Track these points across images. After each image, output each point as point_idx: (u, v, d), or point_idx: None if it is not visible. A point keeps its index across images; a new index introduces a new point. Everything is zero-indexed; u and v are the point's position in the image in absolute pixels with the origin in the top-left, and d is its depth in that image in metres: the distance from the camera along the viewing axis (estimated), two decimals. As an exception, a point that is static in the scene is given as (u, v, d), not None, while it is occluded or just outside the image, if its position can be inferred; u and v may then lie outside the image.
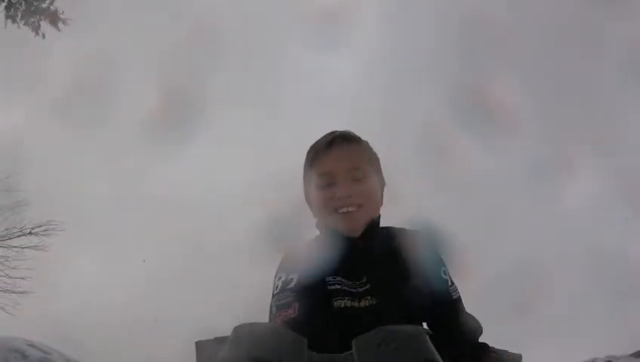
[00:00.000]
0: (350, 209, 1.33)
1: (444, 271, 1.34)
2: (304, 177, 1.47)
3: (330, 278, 1.26)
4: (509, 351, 1.30)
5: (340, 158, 1.38)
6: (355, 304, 1.24)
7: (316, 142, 1.44)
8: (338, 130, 1.46)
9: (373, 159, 1.45)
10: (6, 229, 13.03)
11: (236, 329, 0.77)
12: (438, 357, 0.77)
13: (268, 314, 1.27)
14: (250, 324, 0.77)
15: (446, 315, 1.29)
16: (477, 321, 1.31)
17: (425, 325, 1.32)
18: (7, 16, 7.19)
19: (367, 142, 1.46)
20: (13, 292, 12.83)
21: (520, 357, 1.27)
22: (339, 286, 1.26)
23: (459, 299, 1.34)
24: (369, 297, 1.25)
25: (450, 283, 1.33)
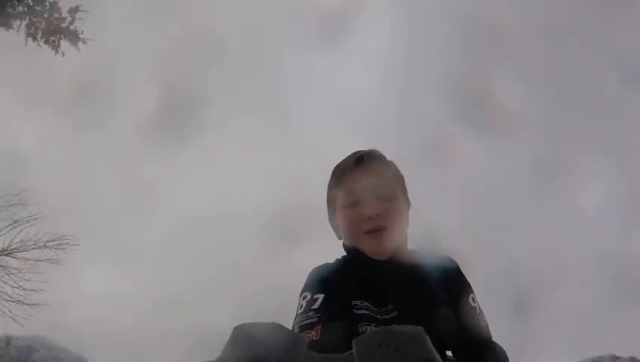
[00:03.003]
0: (379, 230, 1.31)
1: (473, 299, 1.32)
2: (328, 198, 1.45)
3: (358, 302, 1.24)
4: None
5: (367, 177, 1.36)
6: None
7: (342, 162, 1.42)
8: (363, 149, 1.44)
9: (399, 179, 1.44)
10: (20, 241, 13.24)
11: (235, 329, 0.77)
12: (438, 357, 0.77)
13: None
14: (250, 324, 0.78)
15: (476, 343, 1.27)
16: (503, 351, 1.29)
17: (451, 353, 1.31)
18: (27, 34, 7.32)
19: (393, 162, 1.45)
20: (26, 304, 13.06)
21: None
22: (366, 312, 1.24)
23: (487, 327, 1.33)
24: (395, 325, 1.24)
25: (478, 311, 1.32)
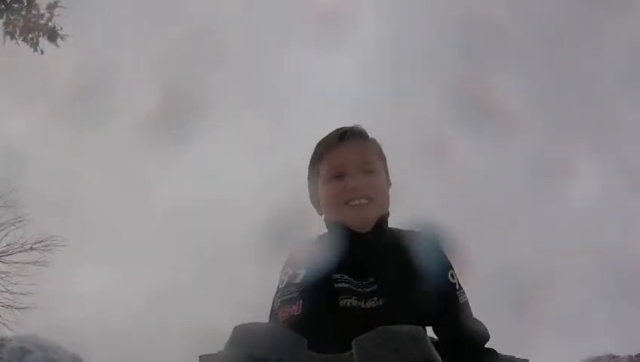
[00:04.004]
0: (362, 201, 1.31)
1: (452, 275, 1.32)
2: (310, 173, 1.45)
3: (338, 276, 1.25)
4: (516, 356, 1.28)
5: (351, 151, 1.37)
6: (361, 304, 1.23)
7: (325, 137, 1.43)
8: (346, 126, 1.44)
9: (382, 156, 1.44)
10: (7, 245, 13.02)
11: (235, 329, 0.77)
12: (438, 357, 0.77)
13: (270, 307, 1.26)
14: (250, 324, 0.78)
15: (452, 319, 1.27)
16: (484, 327, 1.28)
17: (431, 329, 1.32)
18: (5, 32, 7.25)
19: (376, 140, 1.45)
20: (15, 308, 12.87)
21: None
22: (346, 285, 1.24)
23: (466, 304, 1.32)
24: (375, 298, 1.24)
25: (457, 287, 1.32)
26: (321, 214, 1.43)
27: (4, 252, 13.22)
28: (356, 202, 1.31)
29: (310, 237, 1.40)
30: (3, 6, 7.10)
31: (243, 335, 0.75)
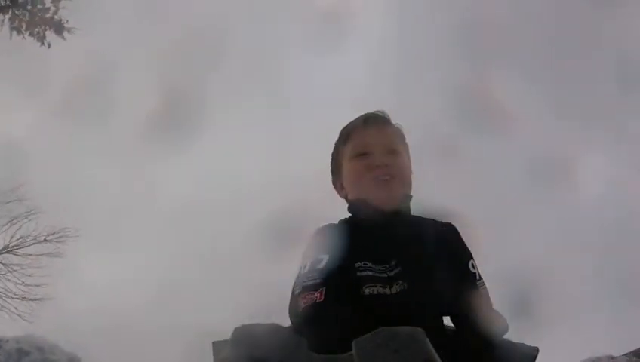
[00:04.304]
0: (387, 178, 1.31)
1: (473, 265, 1.32)
2: (334, 158, 1.45)
3: (361, 264, 1.22)
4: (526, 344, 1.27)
5: (376, 133, 1.38)
6: (387, 291, 1.21)
7: (349, 123, 1.44)
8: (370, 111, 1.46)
9: (405, 142, 1.46)
10: (20, 238, 13.22)
11: (236, 329, 0.77)
12: (437, 357, 0.78)
13: (291, 291, 1.24)
14: (251, 325, 0.78)
15: (472, 308, 1.25)
16: (503, 318, 1.27)
17: (448, 320, 1.29)
18: (11, 28, 7.23)
19: (399, 126, 1.47)
20: (30, 300, 13.09)
21: (537, 349, 1.24)
22: (370, 273, 1.22)
23: (486, 295, 1.31)
24: (399, 282, 1.22)
25: (478, 277, 1.31)
26: (343, 197, 1.42)
27: (18, 245, 13.48)
28: (383, 178, 1.31)
29: (332, 223, 1.38)
30: (8, 1, 7.08)
31: (243, 337, 0.75)
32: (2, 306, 13.24)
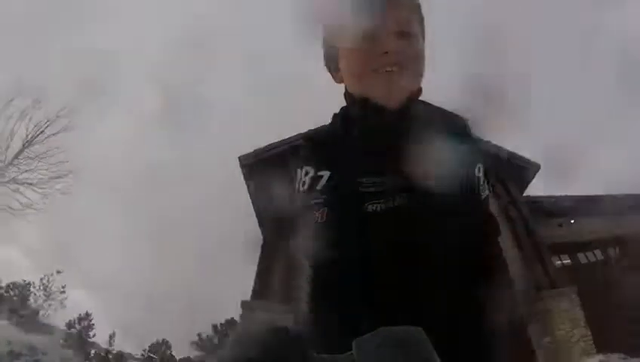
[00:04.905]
0: (393, 68, 1.12)
1: (479, 169, 1.17)
2: (327, 30, 1.24)
3: (364, 180, 1.10)
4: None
5: (388, 5, 1.16)
6: (390, 204, 1.09)
7: None
8: None
9: (421, 16, 1.23)
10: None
11: (234, 330, 0.76)
12: (437, 358, 0.77)
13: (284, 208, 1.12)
14: (249, 326, 0.77)
15: (469, 214, 1.12)
16: (496, 221, 1.17)
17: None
18: None
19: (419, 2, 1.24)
20: (55, 178, 18.46)
21: (538, 166, 1.14)
22: (372, 189, 1.10)
23: (486, 199, 1.18)
24: (403, 194, 1.09)
25: (481, 182, 1.17)
26: (338, 82, 1.24)
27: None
28: (388, 69, 1.13)
29: (324, 126, 1.21)
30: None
31: (242, 337, 0.75)
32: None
